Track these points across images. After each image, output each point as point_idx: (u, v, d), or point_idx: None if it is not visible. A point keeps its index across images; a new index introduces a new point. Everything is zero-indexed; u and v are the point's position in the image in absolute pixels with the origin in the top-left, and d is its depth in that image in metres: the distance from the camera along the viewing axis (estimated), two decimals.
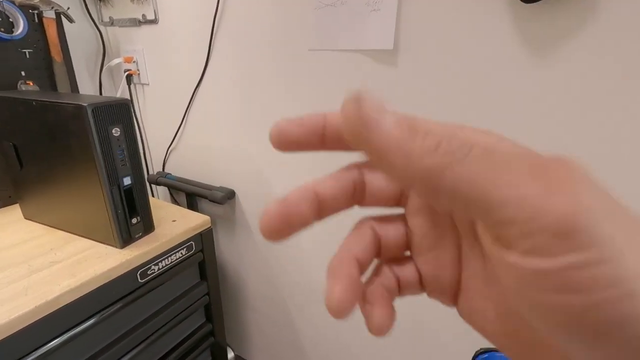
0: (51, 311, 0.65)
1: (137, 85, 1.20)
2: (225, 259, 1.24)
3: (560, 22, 0.55)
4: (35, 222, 0.93)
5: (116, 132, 0.75)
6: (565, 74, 0.57)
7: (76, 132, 0.72)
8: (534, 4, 0.54)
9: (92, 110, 0.70)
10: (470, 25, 0.62)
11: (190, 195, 1.18)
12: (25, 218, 0.95)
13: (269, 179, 1.02)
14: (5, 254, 0.78)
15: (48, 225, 0.91)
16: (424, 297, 0.19)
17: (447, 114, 0.70)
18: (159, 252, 0.84)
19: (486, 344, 0.19)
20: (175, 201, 1.28)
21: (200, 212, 1.05)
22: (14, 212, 0.98)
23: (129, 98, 0.74)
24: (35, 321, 0.63)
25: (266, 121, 0.95)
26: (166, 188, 1.26)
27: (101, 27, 1.18)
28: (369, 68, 0.75)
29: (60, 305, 0.67)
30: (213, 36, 0.95)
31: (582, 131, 0.59)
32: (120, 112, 0.75)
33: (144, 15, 1.07)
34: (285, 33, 0.83)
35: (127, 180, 0.79)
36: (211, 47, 0.97)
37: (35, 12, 0.98)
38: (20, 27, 0.94)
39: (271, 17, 0.84)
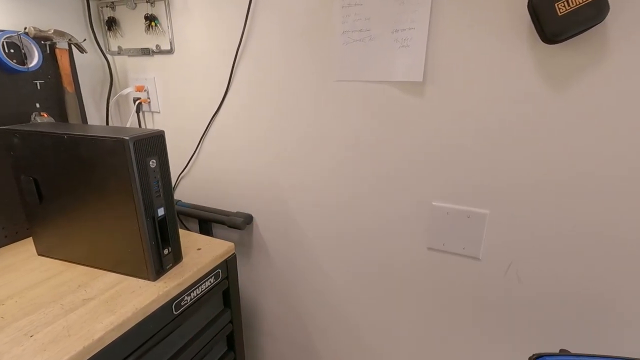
0: (97, 351, 0.63)
1: (145, 113, 1.20)
2: (241, 284, 1.23)
3: (578, 60, 0.63)
4: (51, 258, 0.89)
5: (153, 163, 0.75)
6: (582, 105, 0.65)
7: (114, 166, 0.72)
8: (555, 45, 0.62)
9: (134, 143, 0.70)
10: (495, 61, 0.70)
11: (204, 221, 1.17)
12: (39, 254, 0.91)
13: (287, 203, 1.05)
14: (31, 294, 0.75)
15: (66, 261, 0.88)
16: None
17: (470, 141, 0.76)
18: (191, 282, 0.83)
19: None
20: (186, 228, 1.26)
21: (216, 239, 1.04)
22: (23, 248, 0.94)
23: (161, 130, 0.76)
24: None
25: (288, 146, 0.98)
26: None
27: (108, 56, 1.17)
28: (396, 97, 0.81)
29: (106, 344, 0.65)
30: (235, 66, 0.98)
31: (598, 157, 0.67)
32: (157, 143, 0.76)
33: (157, 46, 1.08)
34: (311, 65, 0.88)
35: (160, 211, 0.79)
36: (232, 76, 0.99)
37: (48, 43, 0.97)
38: (35, 59, 0.93)
39: (297, 50, 0.89)
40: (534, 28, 0.63)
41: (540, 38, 0.62)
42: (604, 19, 0.58)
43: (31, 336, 0.63)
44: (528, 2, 0.62)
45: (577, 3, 0.57)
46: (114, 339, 0.67)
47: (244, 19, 0.92)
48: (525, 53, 0.67)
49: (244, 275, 1.22)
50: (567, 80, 0.65)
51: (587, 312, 0.77)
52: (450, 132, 0.78)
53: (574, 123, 0.67)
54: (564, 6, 0.57)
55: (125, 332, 0.68)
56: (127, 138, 0.69)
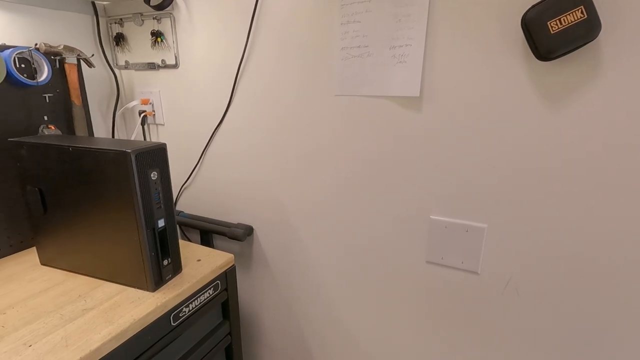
0: None
1: (150, 126, 1.22)
2: (241, 296, 1.23)
3: (573, 76, 0.64)
4: (53, 267, 0.90)
5: (154, 175, 0.77)
6: (577, 120, 0.66)
7: (116, 177, 0.73)
8: (549, 62, 0.63)
9: (135, 156, 0.72)
10: (490, 77, 0.71)
11: (205, 232, 1.18)
12: (42, 264, 0.92)
13: (287, 215, 1.05)
14: (32, 303, 0.76)
15: (68, 271, 0.89)
16: None
17: (467, 155, 0.77)
18: (190, 293, 0.84)
19: None
20: (187, 239, 1.27)
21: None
22: (27, 258, 0.95)
23: (163, 142, 0.77)
24: None
25: (289, 159, 1.00)
26: (177, 226, 1.26)
27: (116, 71, 1.20)
28: (394, 112, 0.82)
29: (103, 355, 0.65)
30: (237, 81, 1.00)
31: (591, 170, 0.67)
32: (158, 156, 0.78)
33: (163, 60, 1.11)
34: (311, 79, 0.90)
35: (161, 223, 0.80)
36: (234, 90, 1.02)
37: (58, 58, 1.00)
38: (45, 74, 0.96)
39: (298, 64, 0.91)
40: (527, 45, 0.64)
41: (534, 55, 0.63)
42: (597, 36, 0.59)
43: (30, 346, 0.64)
44: (521, 21, 0.63)
45: (569, 22, 0.58)
46: (111, 349, 0.67)
47: (247, 35, 0.95)
48: (520, 69, 0.68)
49: (244, 287, 1.22)
50: (562, 96, 0.66)
51: (584, 329, 0.75)
52: (447, 147, 0.79)
53: (570, 138, 0.67)
54: (556, 25, 0.58)
55: (122, 343, 0.69)
56: (129, 151, 0.71)
